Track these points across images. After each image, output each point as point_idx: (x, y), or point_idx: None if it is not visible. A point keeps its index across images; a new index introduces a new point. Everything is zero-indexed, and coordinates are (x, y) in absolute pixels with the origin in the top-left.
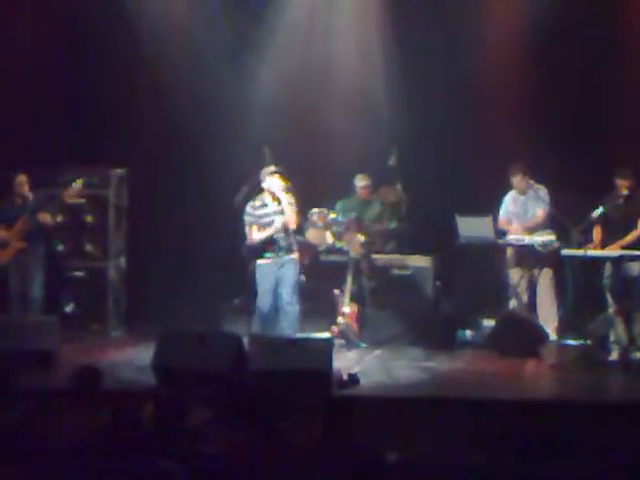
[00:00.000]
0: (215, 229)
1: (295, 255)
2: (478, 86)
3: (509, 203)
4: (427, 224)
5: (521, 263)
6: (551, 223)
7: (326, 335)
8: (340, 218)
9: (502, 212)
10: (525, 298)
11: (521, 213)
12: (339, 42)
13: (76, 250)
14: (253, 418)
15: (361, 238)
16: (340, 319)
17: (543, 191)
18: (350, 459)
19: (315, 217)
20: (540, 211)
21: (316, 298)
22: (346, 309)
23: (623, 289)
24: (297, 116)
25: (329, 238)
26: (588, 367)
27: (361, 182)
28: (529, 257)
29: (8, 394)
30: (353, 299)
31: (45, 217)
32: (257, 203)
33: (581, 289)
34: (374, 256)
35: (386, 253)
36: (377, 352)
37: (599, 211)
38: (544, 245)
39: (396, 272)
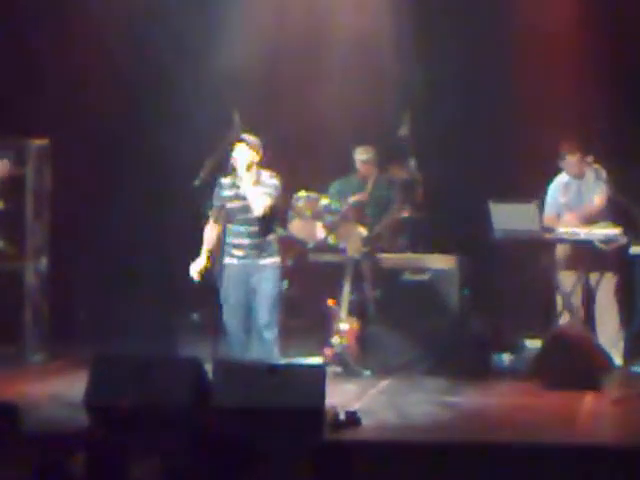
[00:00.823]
0: (166, 220)
1: (274, 259)
2: (519, 30)
3: (558, 191)
4: (450, 212)
5: (576, 265)
6: (614, 213)
7: (317, 361)
8: (334, 205)
9: (549, 205)
10: (581, 312)
11: (574, 202)
12: None
13: None
14: (217, 471)
15: (362, 231)
16: (335, 339)
17: (603, 173)
18: None
19: (301, 203)
20: (598, 198)
21: (303, 312)
22: (343, 326)
23: None
24: (278, 77)
25: (320, 231)
26: None
27: (362, 155)
28: (586, 257)
29: None
30: (352, 313)
31: None
32: (226, 181)
33: None
34: (380, 255)
35: (396, 251)
36: (384, 383)
37: None
38: (606, 241)
39: (409, 277)
